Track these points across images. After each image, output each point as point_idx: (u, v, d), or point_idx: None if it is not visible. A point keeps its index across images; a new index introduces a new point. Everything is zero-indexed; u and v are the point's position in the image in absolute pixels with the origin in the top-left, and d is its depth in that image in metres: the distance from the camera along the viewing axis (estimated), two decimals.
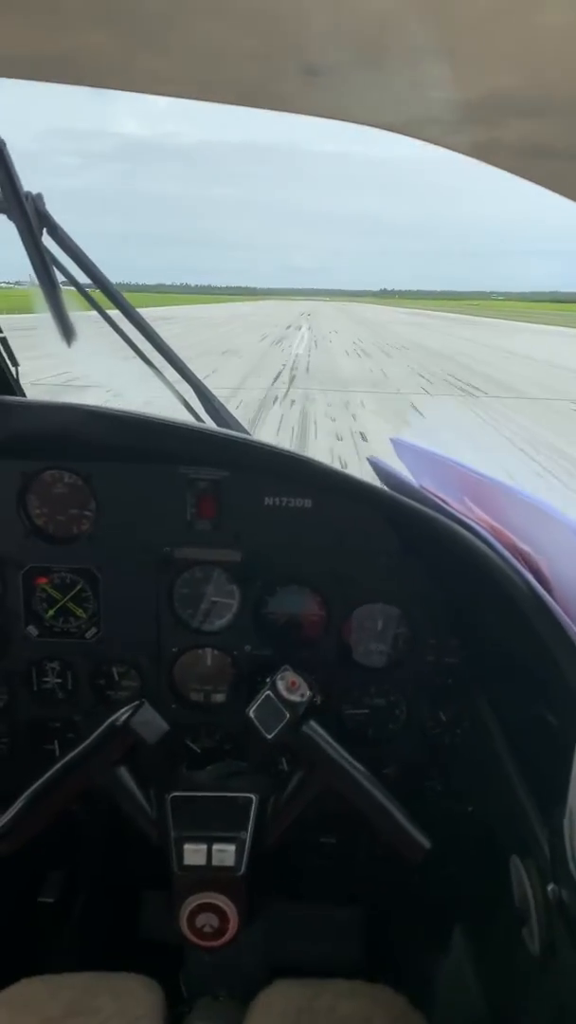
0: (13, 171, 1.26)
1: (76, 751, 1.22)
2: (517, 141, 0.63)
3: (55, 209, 1.34)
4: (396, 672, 1.49)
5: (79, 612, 1.47)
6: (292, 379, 17.28)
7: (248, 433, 1.51)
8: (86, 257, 1.41)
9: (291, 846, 1.28)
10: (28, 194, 1.31)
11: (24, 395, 1.64)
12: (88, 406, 1.34)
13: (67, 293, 1.43)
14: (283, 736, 1.17)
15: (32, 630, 1.47)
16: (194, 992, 1.44)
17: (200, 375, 1.61)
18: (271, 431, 10.66)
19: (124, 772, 1.22)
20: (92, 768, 1.22)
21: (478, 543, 1.11)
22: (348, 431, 10.96)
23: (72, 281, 1.45)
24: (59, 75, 0.65)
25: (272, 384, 16.15)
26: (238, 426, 1.58)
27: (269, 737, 1.17)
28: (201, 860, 1.18)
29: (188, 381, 1.56)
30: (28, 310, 1.37)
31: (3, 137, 1.23)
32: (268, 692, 1.19)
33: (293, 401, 13.79)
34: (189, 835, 1.19)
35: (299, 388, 15.63)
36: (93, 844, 1.66)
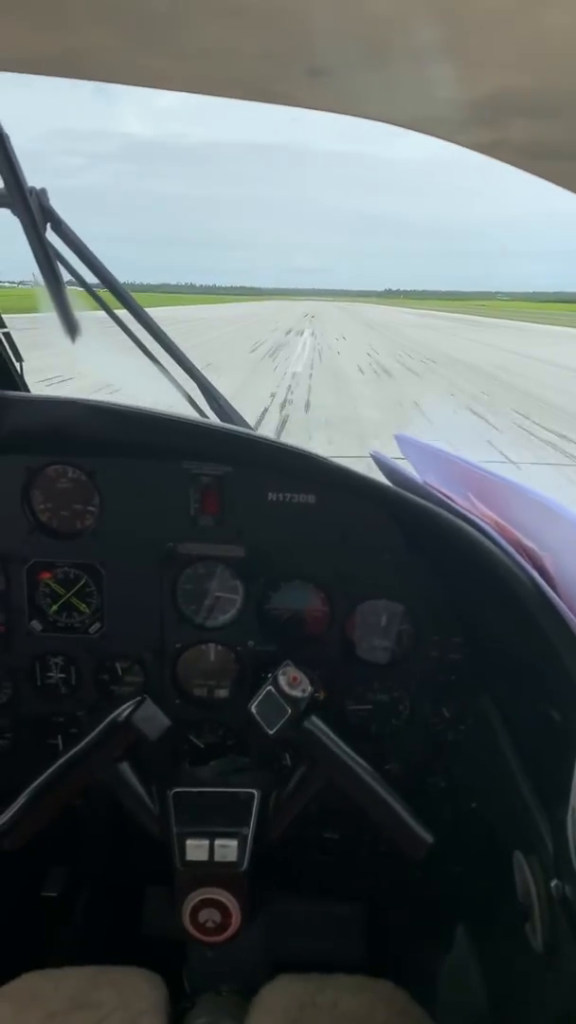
0: (17, 164, 1.26)
1: (78, 747, 1.22)
2: (523, 139, 0.63)
3: (59, 209, 1.34)
4: (399, 668, 1.49)
5: (83, 607, 1.47)
6: (283, 423, 11.27)
7: (252, 428, 1.51)
8: (89, 252, 1.41)
9: (293, 842, 1.28)
10: (32, 189, 1.30)
11: (28, 390, 1.64)
12: (91, 401, 1.34)
13: (70, 290, 1.42)
14: (285, 732, 1.17)
15: (36, 625, 1.47)
16: (197, 987, 1.44)
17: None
18: None
19: (126, 768, 1.22)
20: (94, 764, 1.22)
21: (482, 539, 1.10)
22: None
23: (75, 276, 1.44)
24: (63, 70, 0.65)
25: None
26: (242, 421, 1.58)
27: (271, 732, 1.16)
28: (203, 856, 1.18)
29: (191, 376, 1.56)
30: (32, 309, 1.37)
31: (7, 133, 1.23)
32: (269, 687, 1.18)
33: None
34: (191, 831, 1.19)
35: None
36: (96, 840, 1.66)
